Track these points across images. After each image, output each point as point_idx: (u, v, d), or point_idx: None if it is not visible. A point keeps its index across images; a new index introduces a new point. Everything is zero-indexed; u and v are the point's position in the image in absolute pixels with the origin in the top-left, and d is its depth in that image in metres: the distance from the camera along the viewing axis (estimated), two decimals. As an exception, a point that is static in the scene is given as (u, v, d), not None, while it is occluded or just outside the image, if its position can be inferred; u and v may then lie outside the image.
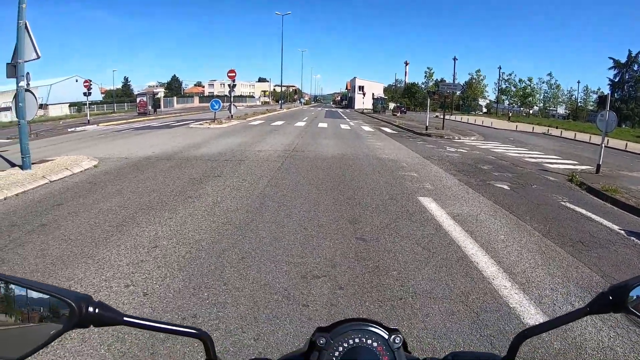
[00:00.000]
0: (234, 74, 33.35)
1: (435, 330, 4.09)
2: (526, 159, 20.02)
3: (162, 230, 6.39)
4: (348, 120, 45.03)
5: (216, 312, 4.00)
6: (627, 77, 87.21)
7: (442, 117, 37.00)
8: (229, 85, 34.23)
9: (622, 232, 9.01)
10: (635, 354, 4.32)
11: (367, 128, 32.93)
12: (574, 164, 19.78)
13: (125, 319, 0.85)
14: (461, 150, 21.34)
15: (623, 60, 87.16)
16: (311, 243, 6.04)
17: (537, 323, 0.99)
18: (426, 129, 30.59)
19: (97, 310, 0.81)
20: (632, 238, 8.64)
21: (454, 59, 75.15)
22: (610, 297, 0.91)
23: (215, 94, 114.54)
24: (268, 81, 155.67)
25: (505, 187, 12.17)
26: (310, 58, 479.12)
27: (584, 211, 10.36)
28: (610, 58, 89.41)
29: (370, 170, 12.74)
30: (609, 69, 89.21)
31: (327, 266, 5.31)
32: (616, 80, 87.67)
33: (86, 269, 4.96)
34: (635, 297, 0.91)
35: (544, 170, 17.05)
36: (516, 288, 5.22)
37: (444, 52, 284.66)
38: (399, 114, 63.71)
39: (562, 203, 10.94)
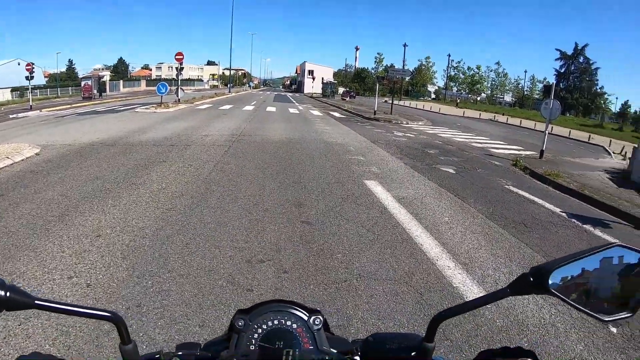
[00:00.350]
0: (181, 57, 32.70)
1: (380, 311, 4.14)
2: (472, 144, 20.43)
3: (106, 219, 6.20)
4: (297, 104, 44.89)
5: (160, 300, 3.93)
6: (572, 68, 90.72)
7: (390, 102, 37.24)
8: (176, 68, 33.45)
9: (564, 214, 9.32)
10: (576, 330, 4.50)
11: (315, 112, 32.96)
12: (519, 150, 20.32)
13: (37, 302, 0.81)
14: (409, 134, 21.60)
15: (570, 52, 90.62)
16: (256, 227, 6.00)
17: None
18: (374, 114, 30.82)
19: (8, 294, 0.77)
20: (573, 220, 8.95)
21: (404, 45, 75.46)
22: (531, 279, 0.91)
23: (163, 77, 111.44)
24: (217, 64, 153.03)
25: (451, 170, 12.39)
26: (260, 41, 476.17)
27: (527, 194, 10.66)
28: (557, 50, 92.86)
29: (317, 154, 12.77)
30: (556, 59, 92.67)
31: (272, 250, 5.30)
32: (562, 71, 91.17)
33: (28, 262, 4.76)
34: (555, 279, 0.92)
35: (489, 155, 17.44)
36: (459, 268, 5.35)
37: (395, 38, 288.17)
38: (348, 99, 63.94)
39: (506, 186, 11.22)
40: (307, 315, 0.98)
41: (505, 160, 16.22)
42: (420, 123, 30.02)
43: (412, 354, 0.96)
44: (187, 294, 4.12)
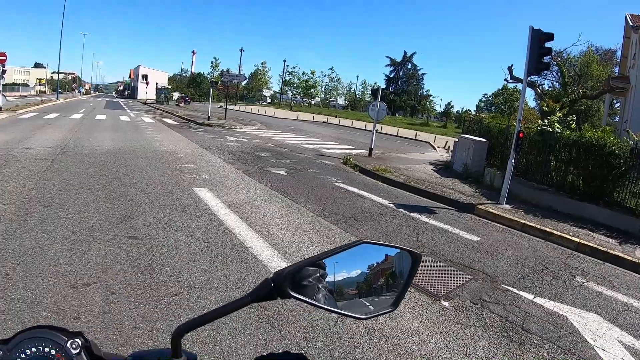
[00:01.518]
0: (4, 58, 29.25)
1: (213, 322, 4.14)
2: (304, 146, 21.03)
3: None
4: (129, 111, 43.06)
5: None
6: (401, 73, 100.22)
7: (225, 107, 37.19)
8: None
9: (392, 205, 9.94)
10: (410, 309, 4.81)
11: (148, 119, 31.83)
12: (350, 149, 21.28)
13: None
14: (242, 139, 21.77)
15: (399, 59, 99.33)
16: (80, 248, 5.68)
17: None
18: (208, 119, 30.60)
19: None
20: (401, 209, 9.59)
21: (241, 50, 75.82)
22: (272, 284, 0.94)
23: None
24: (45, 67, 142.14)
25: (282, 172, 12.70)
26: (93, 43, 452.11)
27: (356, 190, 11.20)
28: (387, 57, 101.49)
29: (146, 163, 12.41)
30: (386, 66, 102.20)
31: (97, 271, 5.07)
32: (391, 76, 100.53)
33: None
34: (305, 277, 0.96)
35: (321, 155, 18.06)
36: (292, 268, 5.50)
37: (233, 43, 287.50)
38: (182, 104, 62.75)
39: (337, 184, 11.70)
40: (65, 339, 0.92)
41: (336, 160, 16.91)
42: (254, 127, 30.35)
43: None
44: (9, 331, 3.74)
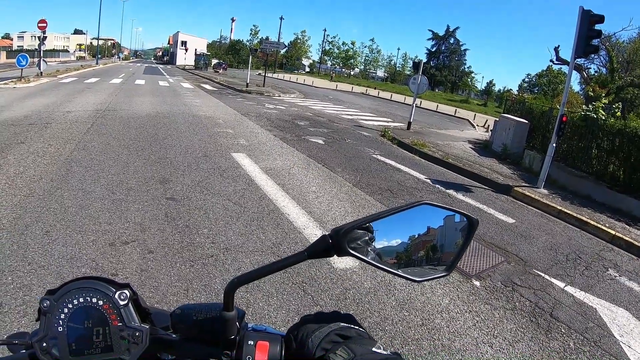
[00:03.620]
0: (45, 25, 29.53)
1: (247, 284, 4.22)
2: (342, 116, 20.93)
3: (-45, 211, 5.70)
4: (168, 76, 43.33)
5: (22, 297, 3.65)
6: (443, 48, 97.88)
7: (264, 74, 37.16)
8: (39, 37, 30.74)
9: (428, 180, 9.89)
10: (442, 286, 4.85)
11: (186, 85, 32.07)
12: (388, 121, 21.10)
13: None
14: (280, 107, 21.76)
15: (441, 33, 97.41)
16: (119, 208, 5.81)
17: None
18: (247, 86, 30.62)
19: None
20: (437, 185, 9.54)
21: (281, 18, 75.07)
22: (330, 241, 0.92)
23: (25, 48, 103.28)
24: (85, 34, 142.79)
25: (320, 141, 12.68)
26: (132, 9, 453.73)
27: (393, 163, 11.15)
28: (430, 30, 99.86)
29: (184, 128, 12.54)
30: (428, 39, 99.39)
31: (136, 230, 5.19)
32: (433, 50, 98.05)
33: None
34: (354, 239, 0.94)
35: (359, 126, 17.96)
36: (327, 235, 5.56)
37: (273, 11, 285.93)
38: (221, 71, 62.90)
39: (374, 156, 11.66)
40: (113, 290, 0.92)
41: (374, 131, 16.81)
42: (292, 95, 30.25)
43: (214, 323, 0.96)
44: (49, 286, 3.87)
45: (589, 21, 10.00)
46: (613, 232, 8.27)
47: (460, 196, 9.15)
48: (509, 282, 5.47)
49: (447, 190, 9.44)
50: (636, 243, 7.93)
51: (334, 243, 0.91)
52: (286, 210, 6.58)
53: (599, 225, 8.56)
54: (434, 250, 1.02)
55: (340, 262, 4.99)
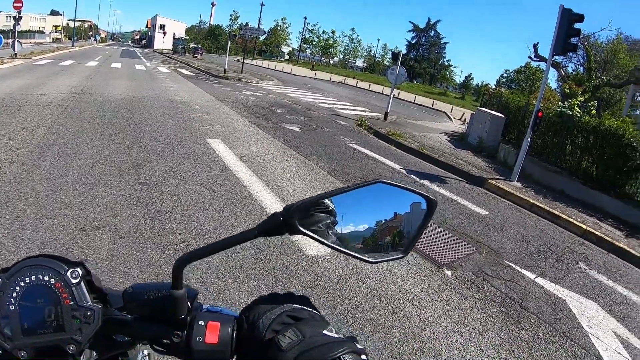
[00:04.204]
0: (20, 5, 28.76)
1: (219, 269, 4.24)
2: (320, 104, 20.94)
3: None
4: (145, 60, 42.73)
5: None
6: (423, 40, 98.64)
7: (242, 61, 36.93)
8: (14, 17, 30.10)
9: (403, 170, 9.96)
10: (413, 274, 4.88)
11: (163, 69, 31.68)
12: (365, 111, 21.15)
13: None
14: (257, 93, 21.67)
15: (422, 25, 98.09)
16: (91, 192, 5.72)
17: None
18: (225, 72, 30.42)
19: None
20: (412, 175, 9.62)
21: (261, 4, 74.29)
22: (281, 218, 0.88)
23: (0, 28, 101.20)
24: (61, 15, 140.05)
25: (296, 129, 12.69)
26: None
27: (369, 152, 11.20)
28: (411, 22, 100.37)
29: (160, 112, 12.40)
30: (409, 31, 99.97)
31: (107, 215, 5.12)
32: (413, 42, 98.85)
33: None
34: (315, 222, 0.91)
35: (336, 115, 17.99)
36: (299, 223, 5.56)
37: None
38: (199, 56, 62.37)
39: (350, 145, 11.70)
40: (66, 268, 0.89)
41: (351, 121, 16.84)
42: (270, 83, 30.16)
43: (164, 302, 0.93)
44: None
45: (568, 20, 10.10)
46: (584, 227, 8.43)
47: (434, 187, 9.22)
48: (480, 272, 5.53)
49: (422, 181, 9.51)
50: (607, 238, 8.09)
51: (285, 220, 0.88)
52: (259, 196, 6.58)
53: (571, 220, 8.70)
54: (400, 236, 1.01)
55: (312, 249, 5.02)
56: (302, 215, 0.89)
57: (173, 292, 0.91)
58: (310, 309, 0.95)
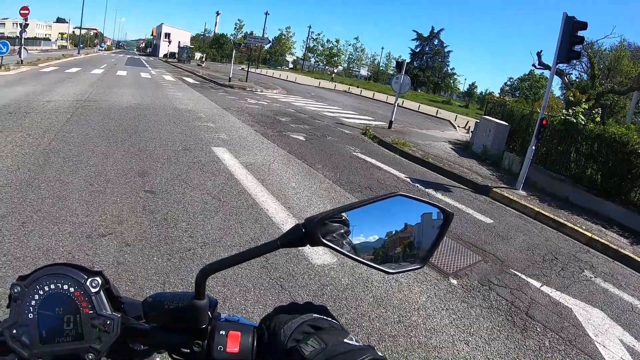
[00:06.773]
0: (27, 12, 28.96)
1: (225, 278, 4.23)
2: (324, 113, 20.94)
3: None
4: (150, 68, 42.84)
5: None
6: (427, 49, 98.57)
7: (246, 69, 37.02)
8: (20, 24, 30.20)
9: (408, 179, 9.95)
10: (419, 283, 4.87)
11: (168, 77, 31.74)
12: (369, 120, 21.16)
13: None
14: (262, 102, 21.70)
15: (426, 34, 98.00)
16: (97, 200, 5.75)
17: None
18: (229, 81, 30.47)
19: None
20: (417, 184, 9.60)
21: (266, 13, 74.47)
22: (303, 230, 0.89)
23: (6, 35, 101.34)
24: (67, 22, 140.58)
25: (301, 138, 12.69)
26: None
27: (374, 161, 11.20)
28: (414, 31, 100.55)
29: (165, 120, 12.43)
30: (412, 40, 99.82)
31: (113, 223, 5.13)
32: (417, 51, 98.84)
33: None
34: (330, 232, 0.91)
35: (340, 123, 17.98)
36: (305, 232, 5.56)
37: (258, 5, 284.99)
38: (203, 65, 62.57)
39: (354, 153, 11.69)
40: (85, 277, 0.90)
41: (356, 129, 16.85)
42: (275, 91, 30.16)
43: (185, 312, 0.93)
44: None
45: (572, 27, 10.11)
46: (589, 235, 8.40)
47: (439, 195, 9.21)
48: (485, 281, 5.52)
49: (427, 190, 9.50)
50: (612, 245, 8.06)
51: (307, 232, 0.89)
52: (265, 205, 6.57)
53: (576, 228, 8.68)
54: (411, 247, 1.01)
55: (318, 258, 5.02)
56: (324, 229, 0.90)
57: (195, 302, 0.92)
58: (330, 319, 0.97)
